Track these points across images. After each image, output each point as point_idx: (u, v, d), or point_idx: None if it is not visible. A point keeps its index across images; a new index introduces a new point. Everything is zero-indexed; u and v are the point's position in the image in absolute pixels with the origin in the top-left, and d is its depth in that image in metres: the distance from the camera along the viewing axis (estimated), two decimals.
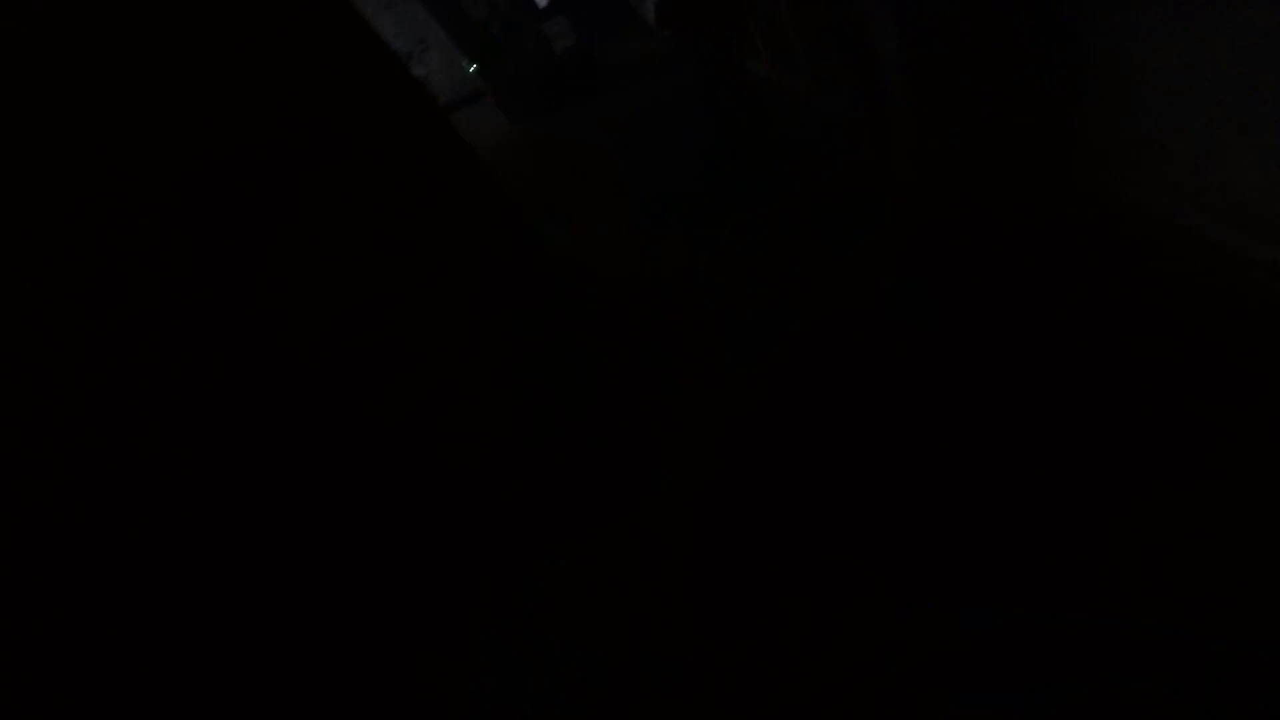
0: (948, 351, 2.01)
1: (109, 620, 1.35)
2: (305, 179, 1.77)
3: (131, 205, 1.44)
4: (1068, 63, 2.11)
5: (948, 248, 2.34)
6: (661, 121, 5.16)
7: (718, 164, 3.77)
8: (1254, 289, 1.63)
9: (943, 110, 2.41)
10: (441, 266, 2.12)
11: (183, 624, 1.46)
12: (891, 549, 1.59)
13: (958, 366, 1.96)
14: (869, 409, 2.00)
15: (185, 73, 1.55)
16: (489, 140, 7.29)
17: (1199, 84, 1.64)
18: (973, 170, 2.53)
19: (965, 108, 2.40)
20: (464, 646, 1.73)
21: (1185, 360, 1.61)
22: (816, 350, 2.28)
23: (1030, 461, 1.63)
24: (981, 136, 2.42)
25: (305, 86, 1.80)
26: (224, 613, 1.53)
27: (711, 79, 3.50)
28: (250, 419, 1.61)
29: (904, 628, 1.06)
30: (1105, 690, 0.91)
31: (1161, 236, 1.91)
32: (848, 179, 3.01)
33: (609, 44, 8.38)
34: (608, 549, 1.89)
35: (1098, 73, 2.01)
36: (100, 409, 1.36)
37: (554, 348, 2.34)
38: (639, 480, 2.08)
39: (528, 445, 2.17)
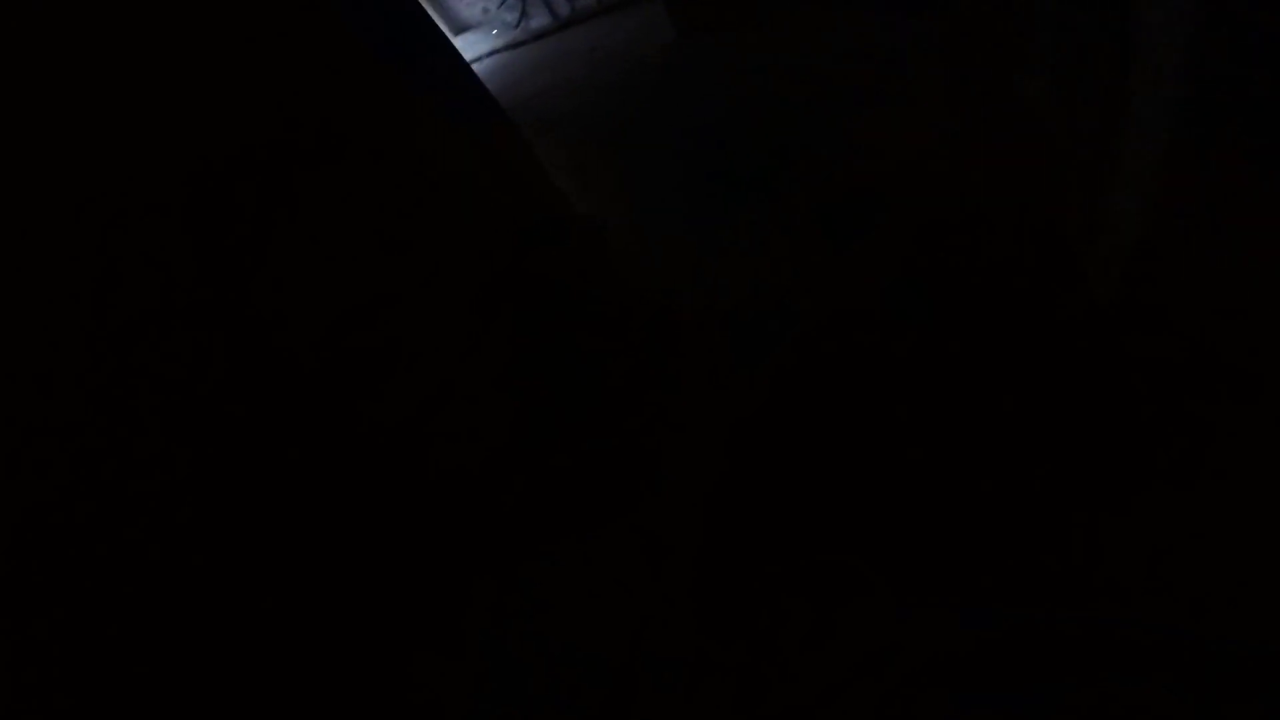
0: (948, 351, 2.01)
1: (109, 620, 1.35)
2: (305, 179, 1.77)
3: (131, 205, 1.44)
4: None
5: (948, 248, 2.34)
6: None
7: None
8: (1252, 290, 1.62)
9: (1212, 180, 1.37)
10: (440, 267, 2.12)
11: (182, 624, 1.46)
12: (891, 549, 1.59)
13: (958, 367, 1.95)
14: (870, 409, 2.00)
15: (185, 73, 1.55)
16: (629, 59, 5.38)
17: None
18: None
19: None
20: (463, 647, 1.73)
21: (1185, 360, 1.61)
22: (818, 351, 2.28)
23: (1030, 461, 1.63)
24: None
25: (305, 86, 1.80)
26: (224, 613, 1.53)
27: None
28: (250, 419, 1.61)
29: (904, 628, 1.05)
30: (1105, 690, 0.91)
31: (1161, 237, 1.91)
32: (848, 179, 3.01)
33: None
34: (609, 550, 1.89)
35: None
36: (100, 409, 1.36)
37: (555, 348, 2.34)
38: (641, 481, 2.08)
39: (527, 446, 2.17)
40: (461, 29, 8.93)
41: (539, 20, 7.75)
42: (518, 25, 7.96)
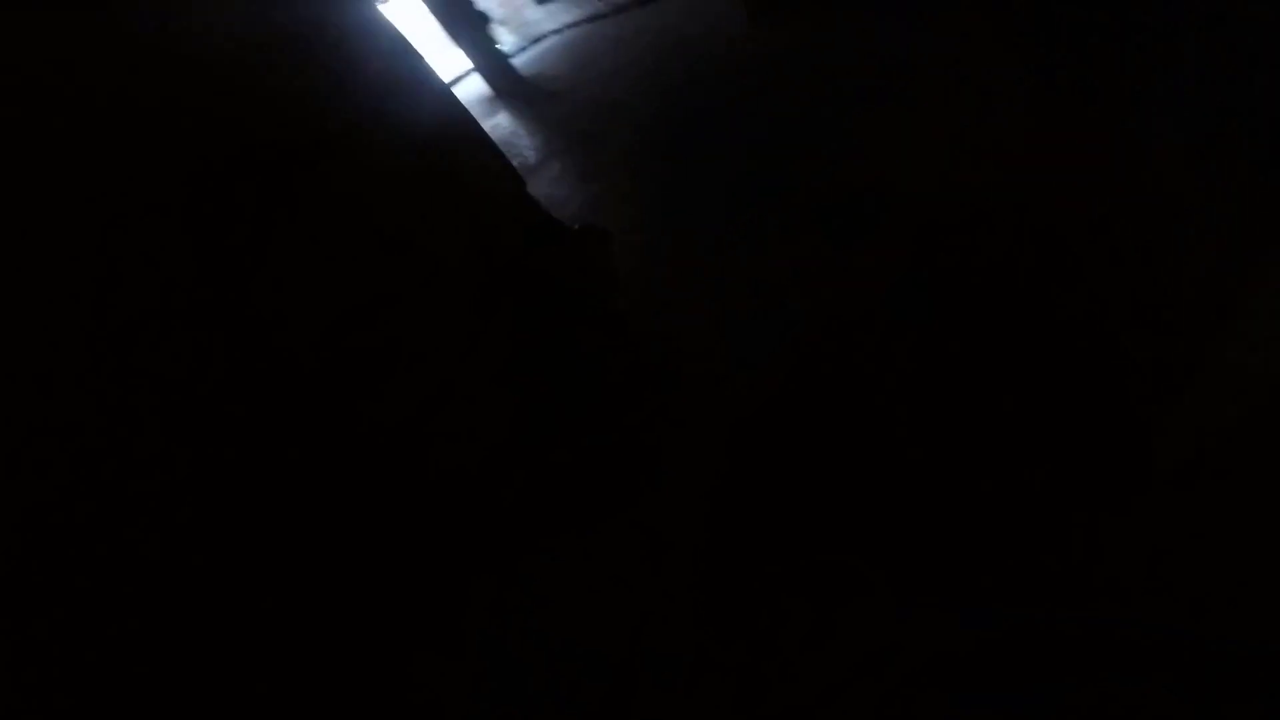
0: (948, 352, 2.01)
1: (109, 620, 1.35)
2: (305, 179, 1.77)
3: (132, 205, 1.44)
4: None
5: (948, 248, 2.34)
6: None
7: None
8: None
9: None
10: (440, 267, 2.12)
11: (182, 624, 1.46)
12: (891, 549, 1.59)
13: (958, 367, 1.96)
14: (870, 409, 2.00)
15: (185, 72, 1.55)
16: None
17: None
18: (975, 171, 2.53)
19: None
20: (463, 646, 1.73)
21: (1185, 360, 1.61)
22: (818, 350, 2.28)
23: (1030, 462, 1.63)
24: None
25: (306, 86, 1.80)
26: (223, 612, 1.53)
27: None
28: (250, 419, 1.61)
29: (904, 628, 1.05)
30: (1105, 690, 0.91)
31: (1161, 237, 1.91)
32: (848, 179, 3.01)
33: None
34: (609, 546, 1.89)
35: None
36: (100, 409, 1.36)
37: (555, 345, 2.34)
38: (641, 478, 2.08)
39: (527, 442, 2.17)
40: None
41: None
42: None
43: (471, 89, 8.00)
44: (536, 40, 8.43)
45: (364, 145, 1.94)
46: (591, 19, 7.81)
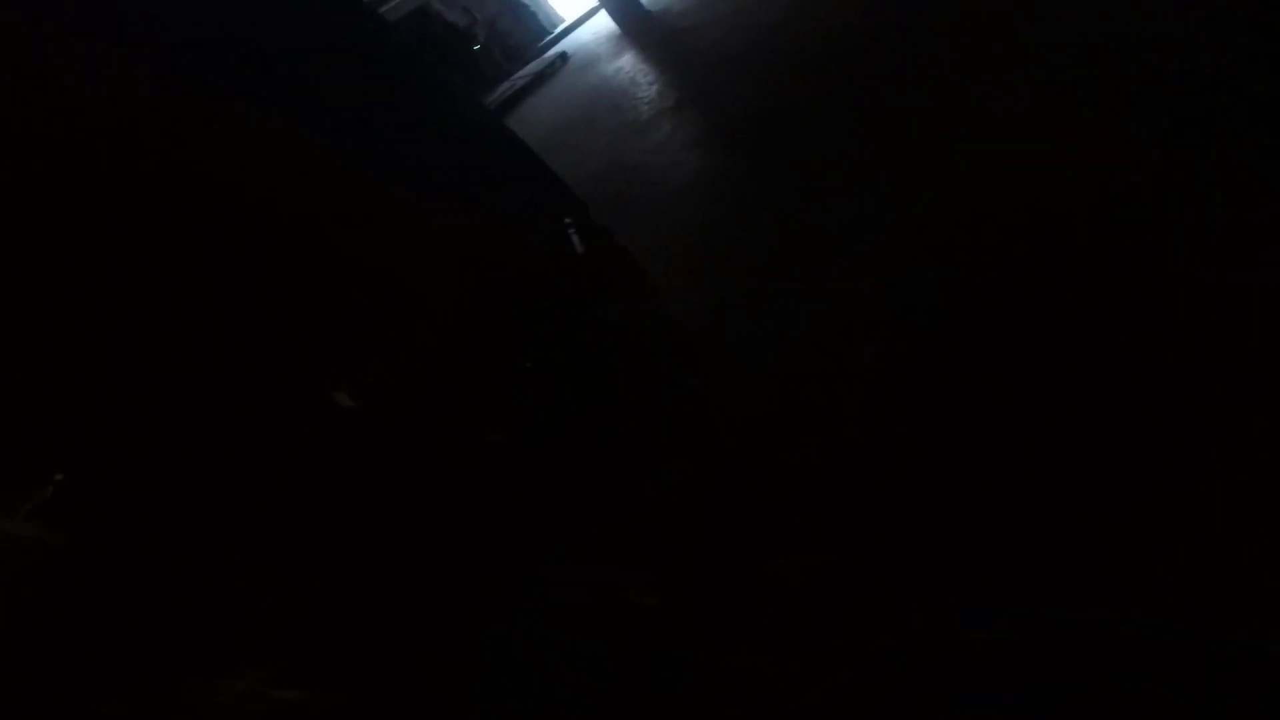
0: (949, 351, 2.02)
1: (109, 620, 1.35)
2: (306, 177, 1.76)
3: (131, 205, 1.43)
4: None
5: (951, 248, 2.34)
6: None
7: None
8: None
9: None
10: (442, 267, 2.12)
11: (182, 624, 1.46)
12: (893, 548, 1.60)
13: (959, 366, 1.96)
14: (870, 409, 2.00)
15: (185, 70, 1.54)
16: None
17: None
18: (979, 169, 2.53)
19: None
20: (466, 646, 1.73)
21: (1185, 360, 1.61)
22: (820, 350, 2.29)
23: (1030, 462, 1.63)
24: None
25: (308, 86, 1.79)
26: (223, 612, 1.53)
27: None
28: (250, 419, 1.61)
29: (907, 628, 1.06)
30: (1105, 690, 0.91)
31: (1160, 236, 1.91)
32: (849, 178, 3.01)
33: None
34: (612, 547, 1.89)
35: None
36: (100, 409, 1.36)
37: (558, 345, 2.34)
38: (643, 478, 2.09)
39: (530, 444, 2.17)
40: None
41: None
42: None
43: (599, 27, 7.75)
44: None
45: (366, 144, 1.93)
46: None
